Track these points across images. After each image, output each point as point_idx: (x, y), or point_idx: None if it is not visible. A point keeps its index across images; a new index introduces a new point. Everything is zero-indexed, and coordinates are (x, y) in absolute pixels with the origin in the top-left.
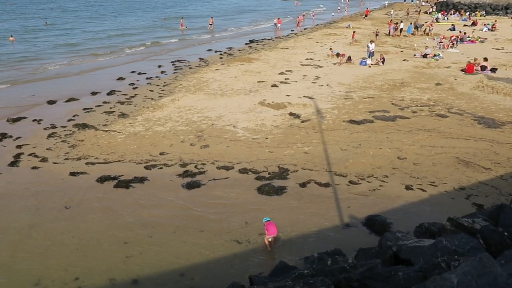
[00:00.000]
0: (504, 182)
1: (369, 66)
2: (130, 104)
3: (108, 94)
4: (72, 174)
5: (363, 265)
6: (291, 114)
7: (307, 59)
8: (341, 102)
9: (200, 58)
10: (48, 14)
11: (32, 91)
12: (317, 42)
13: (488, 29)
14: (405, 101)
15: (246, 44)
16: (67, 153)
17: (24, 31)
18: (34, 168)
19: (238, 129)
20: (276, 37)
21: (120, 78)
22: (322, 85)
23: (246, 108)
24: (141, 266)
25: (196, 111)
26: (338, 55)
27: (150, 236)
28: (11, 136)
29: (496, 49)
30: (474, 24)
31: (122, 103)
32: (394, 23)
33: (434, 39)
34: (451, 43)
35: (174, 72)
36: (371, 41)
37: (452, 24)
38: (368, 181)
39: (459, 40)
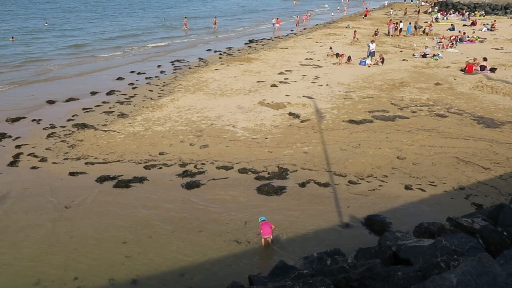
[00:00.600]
0: (504, 181)
1: (369, 66)
2: (130, 104)
3: (108, 94)
4: (72, 174)
5: (362, 265)
6: (290, 114)
7: (306, 59)
8: (341, 102)
9: (199, 58)
10: (48, 14)
11: (32, 91)
12: (316, 42)
13: (488, 29)
14: (404, 101)
15: (245, 44)
16: (67, 153)
17: (24, 31)
18: (33, 168)
19: (238, 129)
20: (275, 37)
21: (120, 78)
22: (321, 85)
23: (246, 108)
24: (141, 266)
25: (195, 111)
26: (337, 55)
27: (150, 236)
28: (10, 136)
29: (495, 49)
30: (473, 24)
31: (121, 103)
32: (394, 23)
33: (433, 39)
34: (451, 43)
35: (174, 72)
36: (372, 41)
37: (452, 24)
38: (367, 181)
39: (458, 40)
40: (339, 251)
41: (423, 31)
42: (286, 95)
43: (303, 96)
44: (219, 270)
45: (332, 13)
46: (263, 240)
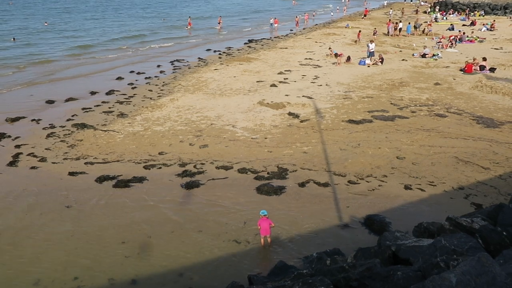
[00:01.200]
0: (503, 181)
1: (368, 66)
2: (129, 104)
3: (107, 94)
4: (71, 174)
5: (362, 265)
6: (290, 113)
7: (306, 58)
8: (340, 102)
9: (199, 58)
10: (48, 14)
11: (31, 91)
12: (316, 42)
13: (487, 29)
14: (404, 101)
15: (245, 43)
16: (66, 153)
17: (24, 31)
18: (33, 168)
19: (237, 128)
20: (275, 37)
21: (119, 78)
22: (321, 85)
23: (245, 108)
24: (140, 266)
25: (195, 110)
26: (336, 55)
27: (149, 236)
28: (9, 136)
29: (495, 48)
30: (473, 23)
31: (121, 103)
32: (393, 23)
33: (433, 38)
34: (450, 43)
35: (173, 72)
36: (371, 41)
37: (451, 24)
38: (367, 181)
39: (458, 39)
40: (338, 251)
41: (423, 31)
42: (286, 95)
43: (303, 96)
44: (219, 270)
45: (332, 13)
46: (262, 240)
